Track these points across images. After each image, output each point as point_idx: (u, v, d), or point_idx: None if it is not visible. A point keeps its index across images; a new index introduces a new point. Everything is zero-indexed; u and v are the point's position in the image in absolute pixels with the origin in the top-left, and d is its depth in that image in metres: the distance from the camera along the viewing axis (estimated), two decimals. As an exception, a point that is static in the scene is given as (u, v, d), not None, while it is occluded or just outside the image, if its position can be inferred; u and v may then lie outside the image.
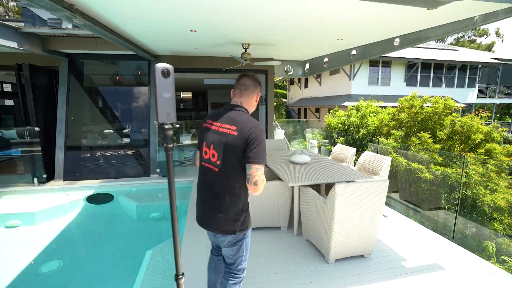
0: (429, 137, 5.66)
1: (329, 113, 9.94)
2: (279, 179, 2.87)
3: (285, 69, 6.67)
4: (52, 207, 4.48)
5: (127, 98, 6.14)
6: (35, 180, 4.93)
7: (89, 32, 3.78)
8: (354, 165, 4.06)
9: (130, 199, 4.70)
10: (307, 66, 6.48)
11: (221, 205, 1.41)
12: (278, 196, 2.90)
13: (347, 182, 2.20)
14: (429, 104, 6.48)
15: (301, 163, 3.42)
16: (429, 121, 6.23)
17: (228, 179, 1.39)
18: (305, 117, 22.19)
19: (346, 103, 14.44)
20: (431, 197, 4.79)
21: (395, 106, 8.65)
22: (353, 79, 15.16)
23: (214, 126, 1.45)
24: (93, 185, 5.08)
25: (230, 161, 1.37)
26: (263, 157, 1.35)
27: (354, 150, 3.98)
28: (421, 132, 5.84)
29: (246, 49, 4.30)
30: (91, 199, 4.86)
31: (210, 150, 1.42)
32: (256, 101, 1.56)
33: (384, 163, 3.27)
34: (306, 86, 21.64)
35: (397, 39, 3.49)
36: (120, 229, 4.37)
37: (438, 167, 5.06)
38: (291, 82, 24.60)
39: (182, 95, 20.57)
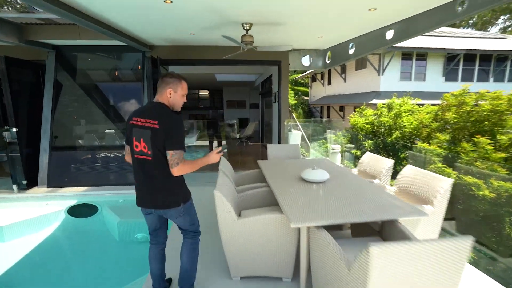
0: (489, 143, 4.38)
1: (354, 111, 8.71)
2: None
3: (302, 60, 5.64)
4: (26, 220, 3.88)
5: (125, 95, 5.46)
6: (15, 186, 4.40)
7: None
8: (390, 183, 2.99)
9: (113, 213, 3.98)
10: (329, 55, 5.41)
11: (161, 186, 1.68)
12: (280, 235, 1.96)
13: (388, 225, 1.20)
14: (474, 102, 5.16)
15: (316, 181, 2.44)
16: (486, 122, 4.91)
17: (158, 165, 1.63)
18: (328, 116, 20.79)
19: (374, 101, 13.00)
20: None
21: (435, 104, 7.26)
22: (382, 74, 13.62)
23: (140, 122, 1.63)
24: (78, 193, 4.45)
25: (156, 150, 1.60)
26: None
27: (391, 163, 2.91)
28: (477, 136, 4.55)
29: (247, 30, 3.37)
30: (73, 210, 4.22)
31: (141, 143, 1.62)
32: (169, 96, 1.71)
33: (441, 186, 2.19)
34: (329, 83, 20.23)
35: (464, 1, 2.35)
36: (98, 251, 3.65)
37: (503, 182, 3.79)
38: (313, 79, 23.24)
39: (200, 93, 20.10)
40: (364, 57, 14.93)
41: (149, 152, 1.59)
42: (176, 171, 1.58)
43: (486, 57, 14.41)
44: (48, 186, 4.62)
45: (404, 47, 12.67)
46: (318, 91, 22.32)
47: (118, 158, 5.19)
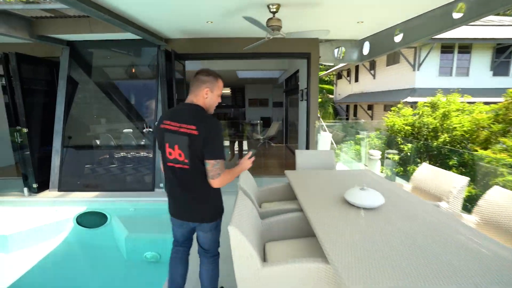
0: None
1: (390, 111, 7.81)
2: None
3: (335, 53, 4.94)
4: (32, 228, 3.61)
5: (141, 93, 5.11)
6: (25, 190, 4.18)
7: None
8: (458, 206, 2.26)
9: (122, 225, 3.60)
10: (367, 46, 4.66)
11: (200, 198, 1.52)
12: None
13: None
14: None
15: (367, 207, 1.81)
16: None
17: (195, 176, 1.47)
18: (355, 115, 19.61)
19: (409, 99, 11.86)
20: None
21: (489, 103, 6.21)
22: (418, 69, 12.38)
23: (174, 126, 1.45)
24: (89, 199, 4.14)
25: (195, 160, 1.43)
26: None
27: (464, 181, 2.18)
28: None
29: (274, 13, 2.78)
30: (82, 219, 3.91)
31: (176, 150, 1.45)
32: (205, 96, 1.54)
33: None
34: (356, 80, 19.05)
35: None
36: (104, 270, 3.27)
37: None
38: (339, 76, 22.08)
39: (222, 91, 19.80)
40: (397, 51, 13.71)
41: (186, 161, 1.44)
42: (216, 183, 1.45)
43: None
44: (60, 190, 4.36)
45: (444, 38, 11.37)
46: (344, 89, 21.15)
47: (134, 160, 4.85)
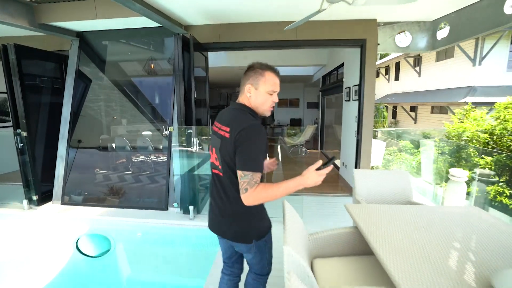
0: None
1: (453, 114, 6.37)
2: None
3: (396, 39, 3.82)
4: (24, 254, 3.02)
5: (158, 91, 4.43)
6: (25, 202, 3.64)
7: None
8: None
9: (125, 258, 2.88)
10: (445, 29, 3.49)
11: (231, 212, 1.29)
12: None
13: None
14: None
15: None
16: None
17: (229, 185, 1.25)
18: (394, 117, 17.76)
19: (467, 99, 10.09)
20: None
21: None
22: (479, 64, 10.52)
23: (217, 128, 1.30)
24: (94, 217, 3.48)
25: (226, 166, 1.23)
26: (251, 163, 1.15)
27: None
28: None
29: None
30: (83, 243, 3.25)
31: (214, 153, 1.31)
32: (248, 94, 1.27)
33: None
34: (397, 78, 17.22)
35: None
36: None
37: None
38: (377, 74, 20.26)
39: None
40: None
41: (220, 167, 1.25)
42: (245, 199, 1.14)
43: None
44: (63, 203, 3.78)
45: (515, 27, 9.45)
46: (381, 88, 19.31)
47: (147, 170, 4.16)
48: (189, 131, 3.18)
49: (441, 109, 13.05)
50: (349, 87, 4.53)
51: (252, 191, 1.11)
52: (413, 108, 15.74)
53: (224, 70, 8.69)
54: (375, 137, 4.83)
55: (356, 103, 3.99)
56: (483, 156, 4.89)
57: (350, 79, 4.49)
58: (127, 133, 5.00)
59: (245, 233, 1.30)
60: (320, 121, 8.06)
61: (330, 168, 1.16)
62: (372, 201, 2.41)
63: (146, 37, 4.01)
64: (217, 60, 7.33)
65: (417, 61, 14.80)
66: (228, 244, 1.44)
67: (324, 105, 7.84)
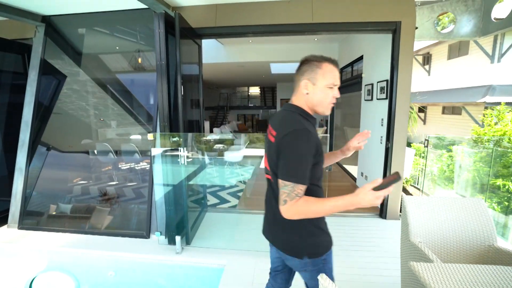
0: None
1: (468, 114, 5.64)
2: None
3: (436, 22, 3.08)
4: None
5: (141, 88, 3.72)
6: (-28, 228, 2.90)
7: None
8: None
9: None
10: (504, 5, 2.75)
11: (282, 220, 1.08)
12: None
13: None
14: None
15: None
16: None
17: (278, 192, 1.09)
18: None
19: (487, 99, 9.36)
20: None
21: None
22: (498, 61, 9.77)
23: (269, 133, 1.19)
24: (56, 248, 2.74)
25: (273, 172, 1.12)
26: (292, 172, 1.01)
27: None
28: None
29: None
30: (41, 284, 2.50)
31: (265, 158, 1.22)
32: (305, 92, 1.12)
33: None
34: (405, 77, 16.43)
35: None
36: None
37: None
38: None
39: (250, 91, 18.36)
40: (466, 40, 11.15)
41: (271, 172, 1.15)
42: (283, 212, 1.02)
43: None
44: (21, 227, 3.03)
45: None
46: (388, 88, 18.54)
47: (128, 186, 3.42)
48: (174, 139, 2.44)
49: (454, 110, 12.29)
50: (372, 84, 3.78)
51: (291, 204, 1.00)
52: (421, 109, 14.99)
53: (223, 68, 7.96)
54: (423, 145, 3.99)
55: (383, 102, 3.24)
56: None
57: (373, 74, 3.74)
58: (117, 136, 4.36)
59: (295, 246, 1.16)
60: (329, 123, 7.31)
61: (390, 189, 0.93)
62: (435, 244, 1.66)
63: (129, 23, 3.28)
64: (214, 55, 6.59)
65: (427, 59, 14.07)
66: (277, 254, 1.32)
67: (334, 106, 7.09)
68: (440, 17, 3.02)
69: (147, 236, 2.78)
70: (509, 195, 4.37)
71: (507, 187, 4.22)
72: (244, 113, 18.00)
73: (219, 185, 4.49)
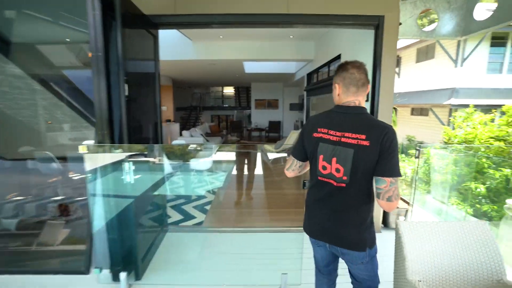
0: None
1: (451, 117, 5.71)
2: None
3: (419, 19, 2.86)
4: None
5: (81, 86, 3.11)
6: None
7: None
8: None
9: None
10: (486, 8, 2.57)
11: (345, 223, 1.22)
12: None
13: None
14: None
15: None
16: None
17: (357, 195, 1.18)
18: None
19: (452, 101, 9.76)
20: None
21: None
22: (461, 65, 10.24)
23: (333, 136, 1.18)
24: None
25: (359, 176, 1.15)
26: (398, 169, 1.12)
27: None
28: None
29: None
30: None
31: (333, 164, 1.18)
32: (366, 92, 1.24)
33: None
34: (376, 79, 16.91)
35: None
36: None
37: None
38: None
39: (224, 91, 17.81)
40: (432, 44, 11.61)
41: (345, 178, 1.16)
42: (393, 206, 1.12)
43: None
44: None
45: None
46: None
47: (72, 199, 2.82)
48: (118, 151, 1.93)
49: (422, 111, 12.78)
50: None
51: (398, 198, 1.12)
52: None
53: (192, 65, 7.40)
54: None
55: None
56: (500, 168, 4.16)
57: (369, 64, 3.47)
58: (70, 141, 3.74)
59: (363, 240, 1.22)
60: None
61: None
62: (435, 281, 1.34)
63: (67, 4, 2.68)
64: (182, 52, 6.04)
65: (397, 61, 14.56)
66: (329, 251, 1.34)
67: (309, 107, 6.86)
68: (422, 14, 2.80)
69: (86, 271, 2.22)
70: (480, 197, 4.37)
71: (478, 189, 4.21)
72: (218, 113, 17.42)
73: (184, 196, 3.98)
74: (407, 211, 2.86)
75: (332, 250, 1.30)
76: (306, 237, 2.50)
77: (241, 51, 5.94)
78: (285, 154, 6.79)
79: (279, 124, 12.77)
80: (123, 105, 1.91)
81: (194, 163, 3.98)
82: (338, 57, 4.13)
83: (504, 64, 10.36)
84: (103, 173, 2.10)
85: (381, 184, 1.10)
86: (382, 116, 2.71)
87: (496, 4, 2.47)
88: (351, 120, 1.16)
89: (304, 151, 1.29)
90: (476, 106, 6.37)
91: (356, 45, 3.31)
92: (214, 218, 3.36)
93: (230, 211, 3.62)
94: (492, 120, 5.12)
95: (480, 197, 4.26)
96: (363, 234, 1.22)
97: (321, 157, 1.20)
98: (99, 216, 2.09)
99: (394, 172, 1.09)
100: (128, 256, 2.11)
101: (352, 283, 1.41)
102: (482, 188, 4.24)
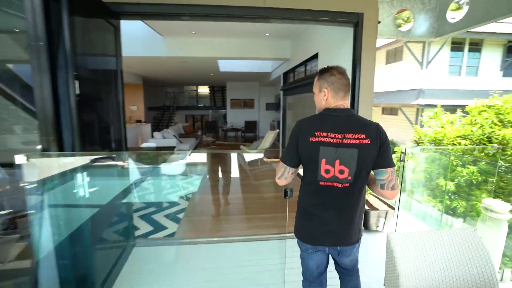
0: None
1: (421, 116, 5.91)
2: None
3: (397, 19, 2.83)
4: None
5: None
6: None
7: None
8: None
9: None
10: (461, 10, 2.59)
11: (351, 221, 1.27)
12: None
13: None
14: None
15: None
16: None
17: (359, 193, 1.25)
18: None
19: (419, 101, 10.27)
20: None
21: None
22: (426, 67, 10.83)
23: (334, 138, 1.18)
24: None
25: (362, 174, 1.21)
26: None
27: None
28: None
29: None
30: None
31: (336, 166, 1.18)
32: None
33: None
34: (348, 80, 17.43)
35: None
36: None
37: None
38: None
39: (198, 90, 17.30)
40: (400, 47, 12.16)
41: (349, 178, 1.20)
42: (396, 193, 1.23)
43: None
44: None
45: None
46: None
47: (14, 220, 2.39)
48: (68, 160, 1.62)
49: (392, 111, 13.35)
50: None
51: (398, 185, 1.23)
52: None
53: (164, 63, 6.99)
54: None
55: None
56: (467, 165, 4.35)
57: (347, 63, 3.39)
58: (23, 146, 3.24)
59: (360, 231, 1.32)
60: (282, 125, 6.98)
61: None
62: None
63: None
64: (152, 48, 5.65)
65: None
66: (327, 254, 1.38)
67: (286, 107, 6.78)
68: (398, 15, 2.77)
69: (32, 302, 1.87)
70: (450, 193, 4.55)
71: (448, 186, 4.38)
72: (193, 113, 16.89)
73: (155, 204, 3.66)
74: (387, 212, 2.83)
75: (330, 252, 1.32)
76: (288, 245, 2.35)
77: (215, 48, 5.68)
78: (262, 155, 6.66)
79: (255, 124, 12.63)
80: (73, 105, 1.61)
81: (165, 168, 3.67)
82: (315, 56, 4.05)
83: (462, 68, 11.13)
84: (52, 185, 1.78)
85: (384, 175, 1.18)
86: (363, 115, 2.64)
87: (467, 8, 2.49)
88: (346, 122, 1.19)
89: (297, 157, 1.24)
90: (441, 106, 6.72)
91: (333, 45, 3.23)
92: (187, 227, 3.10)
93: (205, 218, 3.38)
94: (458, 120, 5.37)
95: (450, 194, 4.44)
96: (360, 226, 1.31)
97: (323, 161, 1.19)
98: (46, 236, 1.76)
99: (392, 162, 1.19)
100: (83, 282, 1.80)
101: (340, 273, 1.46)
102: (451, 186, 4.42)
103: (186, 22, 4.66)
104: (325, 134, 1.17)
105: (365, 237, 2.83)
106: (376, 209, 2.87)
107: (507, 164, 4.32)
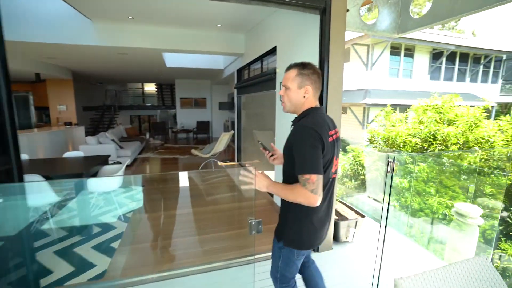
0: None
1: (353, 114, 6.08)
2: None
3: (361, 11, 2.61)
4: None
5: None
6: None
7: None
8: None
9: None
10: (423, 5, 2.47)
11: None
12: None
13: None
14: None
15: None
16: None
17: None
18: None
19: (366, 100, 10.87)
20: None
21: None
22: (371, 69, 11.54)
23: (332, 135, 1.26)
24: None
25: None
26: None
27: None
28: None
29: None
30: None
31: (334, 160, 1.27)
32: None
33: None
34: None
35: None
36: None
37: None
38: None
39: (145, 88, 15.75)
40: (347, 48, 12.79)
41: (337, 168, 1.33)
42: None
43: (464, 56, 13.67)
44: None
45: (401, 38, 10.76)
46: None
47: None
48: None
49: (341, 110, 14.01)
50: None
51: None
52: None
53: (96, 54, 5.90)
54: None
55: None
56: (418, 163, 4.51)
57: (314, 56, 3.05)
58: None
59: None
60: (237, 126, 6.52)
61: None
62: None
63: None
64: (78, 34, 4.65)
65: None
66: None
67: (241, 106, 6.34)
68: (364, 6, 2.55)
69: None
70: (404, 191, 4.69)
71: (403, 184, 4.50)
72: (139, 114, 15.33)
73: (80, 230, 2.86)
74: (357, 221, 2.60)
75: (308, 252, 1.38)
76: (257, 270, 2.05)
77: (158, 39, 4.93)
78: (215, 159, 6.10)
79: (208, 124, 11.92)
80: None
81: (94, 184, 2.89)
82: (274, 50, 3.68)
83: (399, 70, 12.18)
84: None
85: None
86: (331, 113, 2.34)
87: (430, 4, 2.37)
88: (329, 119, 1.29)
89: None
90: (383, 105, 7.08)
91: (294, 35, 2.89)
92: (124, 261, 2.42)
93: (148, 246, 2.72)
94: (407, 118, 5.63)
95: (404, 191, 4.57)
96: None
97: (334, 157, 1.25)
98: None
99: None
100: None
101: (304, 264, 1.51)
102: (405, 183, 4.55)
103: (121, 4, 3.86)
104: (330, 132, 1.22)
105: (335, 250, 2.56)
106: (346, 218, 2.62)
107: (450, 160, 4.59)
